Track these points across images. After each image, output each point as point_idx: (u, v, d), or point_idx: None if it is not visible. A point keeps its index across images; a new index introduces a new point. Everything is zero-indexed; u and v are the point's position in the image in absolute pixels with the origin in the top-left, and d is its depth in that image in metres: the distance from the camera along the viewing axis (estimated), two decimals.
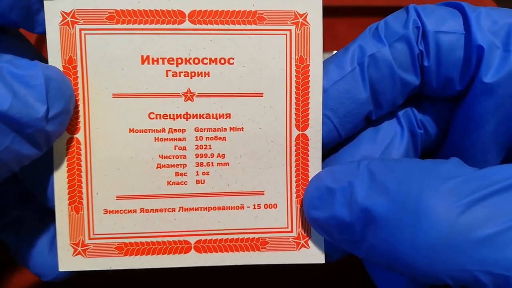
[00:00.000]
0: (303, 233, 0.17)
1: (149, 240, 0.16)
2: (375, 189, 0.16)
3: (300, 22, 0.16)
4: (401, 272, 0.16)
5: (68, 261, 0.16)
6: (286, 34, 0.16)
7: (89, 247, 0.16)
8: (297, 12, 0.16)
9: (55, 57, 0.16)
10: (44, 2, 0.15)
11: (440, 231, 0.14)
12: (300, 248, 0.17)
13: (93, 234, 0.16)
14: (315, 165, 0.17)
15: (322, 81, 0.18)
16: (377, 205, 0.16)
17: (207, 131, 0.15)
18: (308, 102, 0.17)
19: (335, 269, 0.26)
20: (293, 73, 0.16)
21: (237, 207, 0.16)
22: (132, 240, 0.16)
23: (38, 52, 0.19)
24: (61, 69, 0.16)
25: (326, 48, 0.36)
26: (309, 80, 0.17)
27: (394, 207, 0.15)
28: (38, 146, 0.15)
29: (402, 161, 0.18)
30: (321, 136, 0.17)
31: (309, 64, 0.17)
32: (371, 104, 0.20)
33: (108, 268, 0.16)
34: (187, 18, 0.15)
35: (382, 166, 0.17)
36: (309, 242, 0.17)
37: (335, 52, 0.35)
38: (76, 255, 0.16)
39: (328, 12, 0.39)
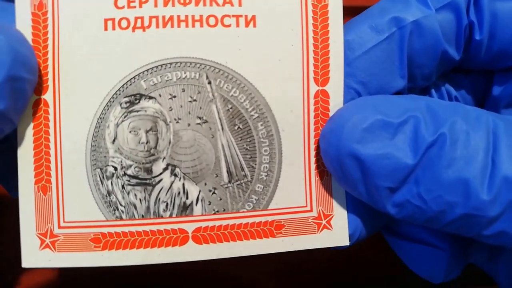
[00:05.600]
0: (324, 211, 0.14)
1: (134, 229, 0.12)
2: (440, 126, 0.13)
3: None
4: (437, 222, 0.14)
5: (34, 255, 0.12)
6: None
7: (59, 238, 0.12)
8: None
9: (23, 2, 0.13)
10: None
11: None
12: (321, 230, 0.14)
13: (64, 222, 0.12)
14: None
15: (353, 44, 0.15)
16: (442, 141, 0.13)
17: None
18: (328, 51, 0.14)
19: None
20: (309, 13, 0.14)
21: None
22: (112, 230, 0.12)
23: None
24: (30, 16, 0.13)
25: None
26: (328, 24, 0.14)
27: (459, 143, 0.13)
28: None
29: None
30: (342, 92, 0.14)
31: (327, 4, 0.14)
32: (405, 78, 0.16)
33: (81, 266, 0.12)
34: None
35: (441, 103, 0.14)
36: (332, 222, 0.14)
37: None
38: (43, 248, 0.12)
39: None
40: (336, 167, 0.13)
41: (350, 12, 0.36)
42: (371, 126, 0.13)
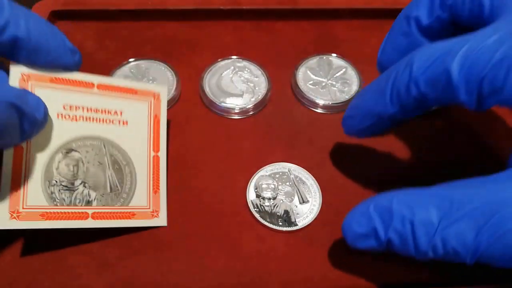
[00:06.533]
0: (156, 209, 0.27)
1: (62, 211, 0.24)
2: None
3: (156, 97, 0.28)
4: None
5: (6, 222, 0.22)
6: (149, 101, 0.28)
7: (21, 213, 0.23)
8: (155, 91, 0.28)
9: (15, 78, 0.24)
10: (10, 66, 0.23)
11: None
12: (154, 218, 0.26)
13: (25, 206, 0.23)
14: (163, 177, 0.28)
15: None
16: None
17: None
18: (159, 136, 0.28)
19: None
20: (152, 122, 0.28)
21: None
22: (51, 210, 0.24)
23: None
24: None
25: (325, 50, 0.37)
26: (159, 126, 0.28)
27: None
28: (23, 136, 0.22)
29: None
30: (166, 156, 0.28)
31: (159, 119, 0.28)
32: None
33: (33, 228, 0.23)
34: (95, 86, 0.26)
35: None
36: (159, 214, 0.27)
37: (333, 54, 0.35)
38: (12, 219, 0.22)
39: (327, 14, 0.38)
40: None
41: (351, 14, 0.39)
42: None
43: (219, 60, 0.34)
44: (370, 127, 0.24)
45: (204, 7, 0.37)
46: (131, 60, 0.34)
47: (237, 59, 0.34)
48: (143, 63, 0.34)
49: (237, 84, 0.33)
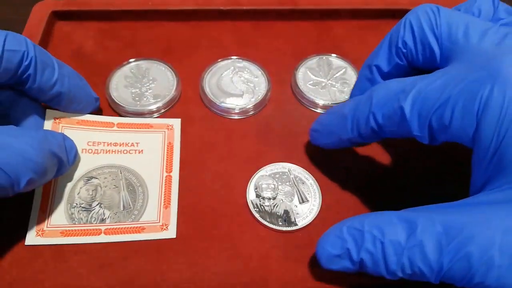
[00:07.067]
0: (165, 222, 0.27)
1: (80, 228, 0.26)
2: None
3: (170, 127, 0.31)
4: None
5: (33, 239, 0.26)
6: (164, 132, 0.30)
7: (45, 231, 0.26)
8: (169, 123, 0.31)
9: (48, 125, 0.28)
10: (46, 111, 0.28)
11: None
12: (163, 231, 0.27)
13: (49, 225, 0.26)
14: (174, 193, 0.28)
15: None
16: None
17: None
18: (172, 160, 0.30)
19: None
20: (165, 148, 0.30)
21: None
22: (70, 228, 0.26)
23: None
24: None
25: (323, 51, 0.37)
26: (173, 151, 0.30)
27: None
28: (57, 175, 0.26)
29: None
30: (178, 175, 0.29)
31: (173, 145, 0.30)
32: None
33: (55, 243, 0.26)
34: (115, 125, 0.30)
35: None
36: (168, 227, 0.27)
37: (333, 55, 0.35)
38: (37, 236, 0.26)
39: (327, 14, 0.38)
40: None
41: (350, 14, 0.39)
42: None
43: (219, 60, 0.34)
44: (331, 144, 0.27)
45: (204, 7, 0.37)
46: (131, 60, 0.34)
47: (237, 59, 0.34)
48: (143, 63, 0.34)
49: (237, 84, 0.33)
